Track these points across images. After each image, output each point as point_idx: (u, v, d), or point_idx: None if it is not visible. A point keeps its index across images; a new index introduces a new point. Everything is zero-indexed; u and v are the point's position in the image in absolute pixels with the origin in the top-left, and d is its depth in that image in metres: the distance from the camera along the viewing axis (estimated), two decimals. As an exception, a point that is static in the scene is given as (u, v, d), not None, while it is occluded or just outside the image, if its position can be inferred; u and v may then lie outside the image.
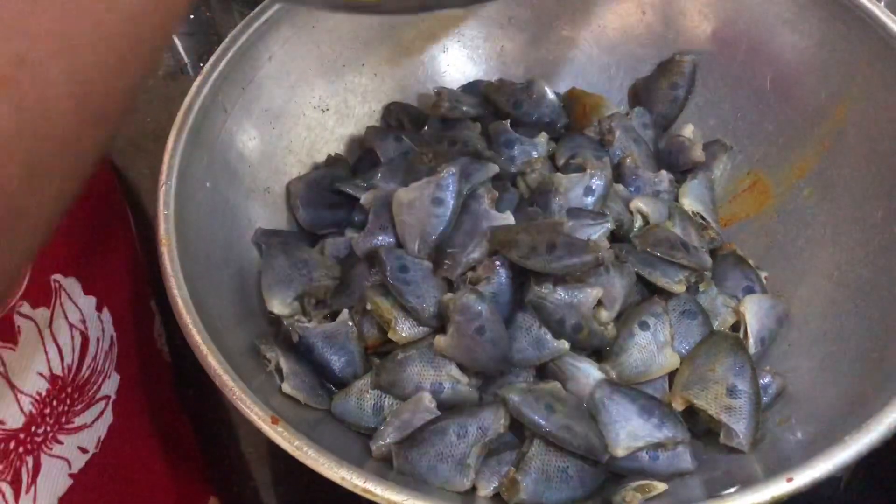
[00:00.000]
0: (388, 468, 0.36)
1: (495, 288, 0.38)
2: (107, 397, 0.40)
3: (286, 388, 0.38)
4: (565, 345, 0.39)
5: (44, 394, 0.35)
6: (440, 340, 0.38)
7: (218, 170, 0.43)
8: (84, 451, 0.38)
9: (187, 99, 0.41)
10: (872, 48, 0.42)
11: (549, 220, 0.39)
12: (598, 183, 0.42)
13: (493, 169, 0.43)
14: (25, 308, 0.34)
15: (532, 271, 0.38)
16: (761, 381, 0.39)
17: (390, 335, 0.39)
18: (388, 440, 0.37)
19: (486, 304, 0.37)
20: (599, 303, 0.39)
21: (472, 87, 0.52)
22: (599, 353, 0.40)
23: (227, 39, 0.44)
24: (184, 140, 0.40)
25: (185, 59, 0.65)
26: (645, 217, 0.44)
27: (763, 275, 0.45)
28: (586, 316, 0.38)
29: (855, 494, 0.44)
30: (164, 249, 0.37)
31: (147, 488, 0.44)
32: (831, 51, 0.44)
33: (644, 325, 0.39)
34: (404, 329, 0.39)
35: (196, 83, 0.42)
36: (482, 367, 0.38)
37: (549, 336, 0.39)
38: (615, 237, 0.43)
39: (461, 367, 0.39)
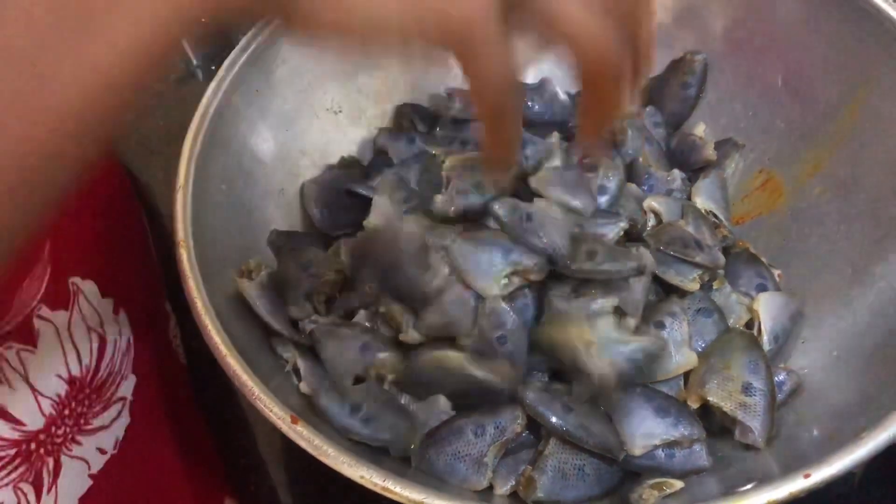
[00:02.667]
0: (405, 467, 0.36)
1: (520, 305, 0.38)
2: (124, 398, 0.40)
3: (304, 387, 0.39)
4: None
5: (63, 395, 0.36)
6: (463, 341, 0.38)
7: (233, 172, 0.43)
8: (103, 452, 0.38)
9: (203, 102, 0.42)
10: (884, 45, 0.42)
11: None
12: (611, 182, 0.43)
13: None
14: (44, 311, 0.35)
15: (549, 285, 0.38)
16: (776, 378, 0.39)
17: (401, 338, 0.40)
18: (405, 439, 0.37)
19: (515, 317, 0.37)
20: (622, 311, 0.39)
21: (483, 88, 0.52)
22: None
23: (240, 43, 0.44)
24: (200, 143, 0.41)
25: (196, 63, 0.65)
26: (658, 216, 0.44)
27: (776, 272, 0.45)
28: None
29: (869, 491, 0.44)
30: (182, 251, 0.37)
31: (164, 488, 0.44)
32: (843, 49, 0.44)
33: (660, 325, 0.39)
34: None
35: (211, 87, 0.42)
36: None
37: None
38: (629, 237, 0.43)
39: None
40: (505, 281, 0.38)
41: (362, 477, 0.31)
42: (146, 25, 0.21)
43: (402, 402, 0.39)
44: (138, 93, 0.22)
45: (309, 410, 0.37)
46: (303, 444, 0.32)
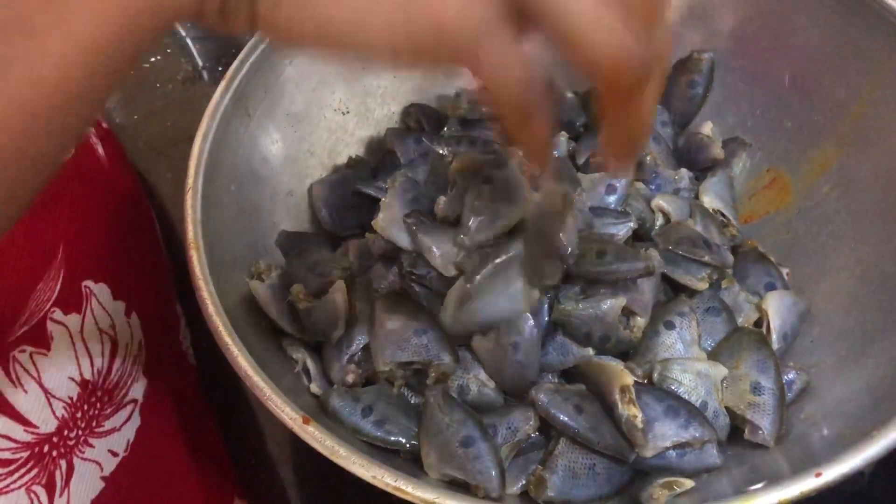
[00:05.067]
0: (417, 467, 0.36)
1: (534, 310, 0.38)
2: (135, 401, 0.40)
3: (314, 388, 0.39)
4: (590, 351, 0.39)
5: (75, 398, 0.36)
6: (478, 340, 0.38)
7: (242, 173, 0.43)
8: (114, 454, 0.39)
9: (211, 104, 0.42)
10: (891, 42, 0.42)
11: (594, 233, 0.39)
12: (619, 182, 0.43)
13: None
14: (58, 314, 0.35)
15: (560, 285, 0.38)
16: (785, 377, 0.39)
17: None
18: (417, 439, 0.37)
19: (532, 325, 0.37)
20: (631, 311, 0.39)
21: (490, 88, 0.52)
22: (625, 353, 0.41)
23: (248, 44, 0.44)
24: (209, 144, 0.41)
25: (202, 65, 0.66)
26: (666, 215, 0.44)
27: (785, 271, 0.45)
28: (612, 326, 0.38)
29: (879, 489, 0.44)
30: (192, 253, 0.37)
31: (175, 489, 0.44)
32: (850, 46, 0.44)
33: (669, 325, 0.39)
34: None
35: (220, 88, 0.42)
36: (504, 382, 0.38)
37: (573, 344, 0.39)
38: (637, 236, 0.43)
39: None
40: None
41: (374, 477, 0.31)
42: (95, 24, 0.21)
43: (413, 402, 0.39)
44: (106, 80, 0.22)
45: (319, 411, 0.37)
46: (315, 445, 0.32)
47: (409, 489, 0.31)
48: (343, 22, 0.21)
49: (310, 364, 0.39)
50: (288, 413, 0.33)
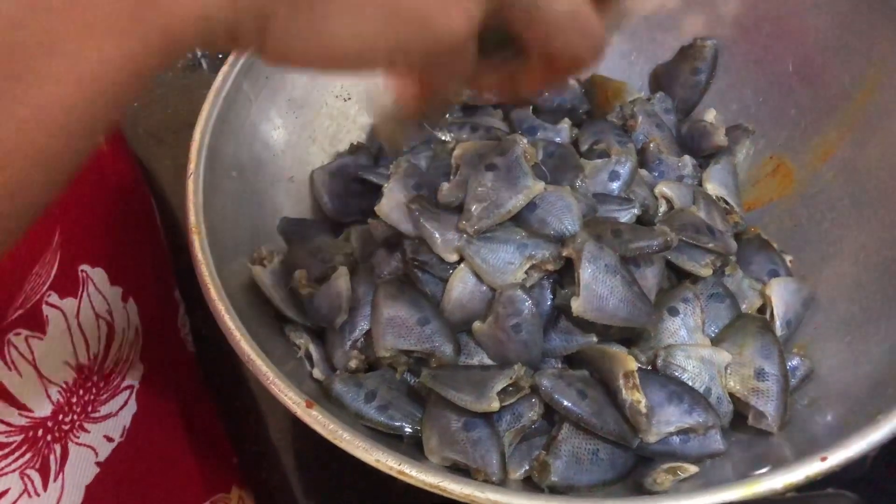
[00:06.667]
0: (420, 452, 0.36)
1: (537, 295, 0.38)
2: (131, 386, 0.40)
3: (317, 374, 0.38)
4: (594, 338, 0.39)
5: (70, 383, 0.35)
6: (478, 325, 0.38)
7: (243, 159, 0.43)
8: (110, 439, 0.38)
9: (213, 89, 0.42)
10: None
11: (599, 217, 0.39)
12: (623, 168, 0.42)
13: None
14: (53, 298, 0.34)
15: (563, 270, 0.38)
16: (789, 363, 0.39)
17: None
18: (419, 425, 0.36)
19: (530, 305, 0.37)
20: None
21: (492, 75, 0.52)
22: (629, 339, 0.40)
23: (249, 28, 0.44)
24: (210, 129, 0.40)
25: (201, 53, 0.65)
26: (670, 202, 0.44)
27: (788, 258, 0.45)
28: None
29: (881, 474, 0.44)
30: (194, 238, 0.37)
31: (172, 476, 0.44)
32: (854, 33, 0.44)
33: (673, 311, 0.39)
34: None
35: (221, 73, 0.42)
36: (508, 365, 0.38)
37: (577, 329, 0.39)
38: (641, 222, 0.42)
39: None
40: (524, 276, 0.37)
41: (377, 461, 0.31)
42: (91, 68, 0.20)
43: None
44: (109, 118, 0.21)
45: (322, 397, 0.37)
46: (318, 429, 0.32)
47: (413, 473, 0.30)
48: (335, 44, 0.23)
49: (312, 350, 0.39)
50: (291, 397, 0.32)
